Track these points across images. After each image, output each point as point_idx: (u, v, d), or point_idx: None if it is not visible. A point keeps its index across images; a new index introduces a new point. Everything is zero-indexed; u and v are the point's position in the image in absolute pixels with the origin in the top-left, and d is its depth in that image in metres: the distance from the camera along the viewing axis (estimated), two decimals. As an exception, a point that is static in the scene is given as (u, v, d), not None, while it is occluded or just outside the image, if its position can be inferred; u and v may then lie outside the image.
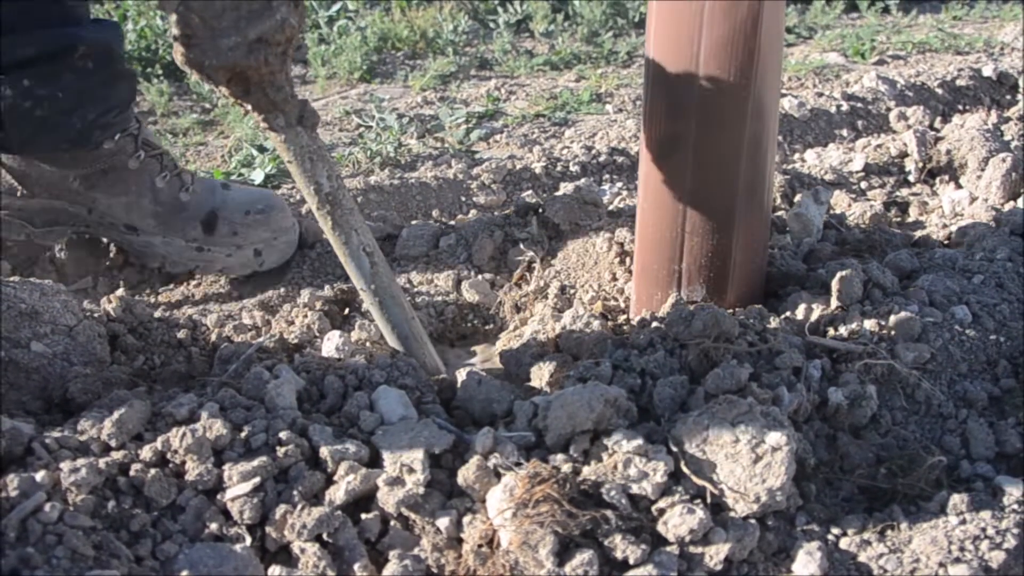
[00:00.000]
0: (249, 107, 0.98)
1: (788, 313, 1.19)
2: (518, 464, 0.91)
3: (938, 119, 2.29)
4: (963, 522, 0.90)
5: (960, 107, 2.50)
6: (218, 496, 0.89)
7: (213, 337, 1.33)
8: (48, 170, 1.49)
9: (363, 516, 0.90)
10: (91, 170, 1.50)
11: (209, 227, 1.57)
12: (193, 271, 1.60)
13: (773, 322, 1.14)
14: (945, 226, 1.60)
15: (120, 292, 1.30)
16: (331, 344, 1.22)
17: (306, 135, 1.02)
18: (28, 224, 1.54)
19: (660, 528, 0.88)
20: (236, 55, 0.91)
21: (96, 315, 1.23)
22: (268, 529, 0.88)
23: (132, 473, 0.89)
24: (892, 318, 1.12)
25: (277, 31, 0.92)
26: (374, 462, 0.96)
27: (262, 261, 1.60)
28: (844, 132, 2.31)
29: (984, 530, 0.88)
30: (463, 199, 1.97)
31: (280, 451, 0.93)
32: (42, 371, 1.09)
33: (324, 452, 0.94)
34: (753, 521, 0.90)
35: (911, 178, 1.94)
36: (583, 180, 2.02)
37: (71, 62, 1.42)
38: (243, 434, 0.94)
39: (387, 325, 1.15)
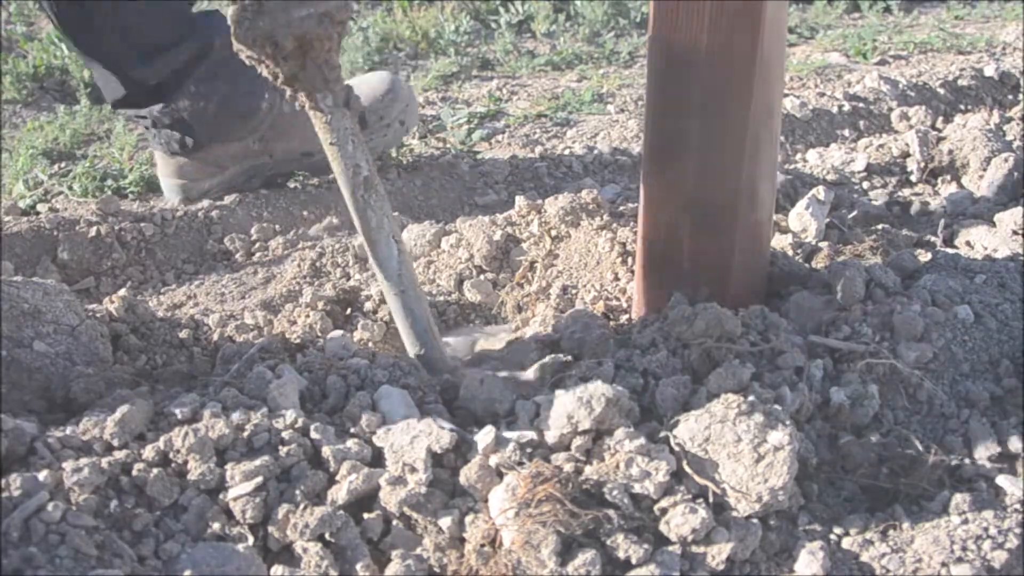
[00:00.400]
0: (298, 85, 0.99)
1: (790, 312, 1.19)
2: (520, 464, 0.91)
3: (940, 119, 2.28)
4: (965, 522, 0.90)
5: (962, 107, 2.49)
6: (220, 496, 0.89)
7: (215, 337, 1.33)
8: (231, 145, 1.81)
9: (365, 516, 0.91)
10: (262, 130, 1.81)
11: (363, 123, 1.84)
12: None
13: (775, 321, 1.14)
14: (947, 226, 1.60)
15: (122, 292, 1.30)
16: (334, 343, 1.22)
17: (349, 118, 1.04)
18: (231, 191, 1.85)
19: (662, 528, 0.88)
20: (308, 24, 0.94)
21: (99, 315, 1.23)
22: (270, 529, 0.88)
23: (135, 473, 0.89)
24: (894, 318, 1.12)
25: (341, 9, 0.95)
26: (376, 462, 0.96)
27: (407, 127, 1.96)
28: (846, 132, 2.31)
29: (986, 530, 0.88)
30: (465, 199, 1.97)
31: (282, 451, 0.93)
32: (44, 370, 1.09)
33: (326, 452, 0.94)
34: (755, 521, 0.90)
35: (913, 178, 1.94)
36: (585, 180, 2.02)
37: (215, 55, 1.70)
38: (245, 434, 0.94)
39: (408, 318, 1.15)
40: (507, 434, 0.96)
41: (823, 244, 1.43)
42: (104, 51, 1.67)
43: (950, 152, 1.93)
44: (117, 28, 1.64)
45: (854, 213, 1.67)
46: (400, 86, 1.93)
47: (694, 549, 0.87)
